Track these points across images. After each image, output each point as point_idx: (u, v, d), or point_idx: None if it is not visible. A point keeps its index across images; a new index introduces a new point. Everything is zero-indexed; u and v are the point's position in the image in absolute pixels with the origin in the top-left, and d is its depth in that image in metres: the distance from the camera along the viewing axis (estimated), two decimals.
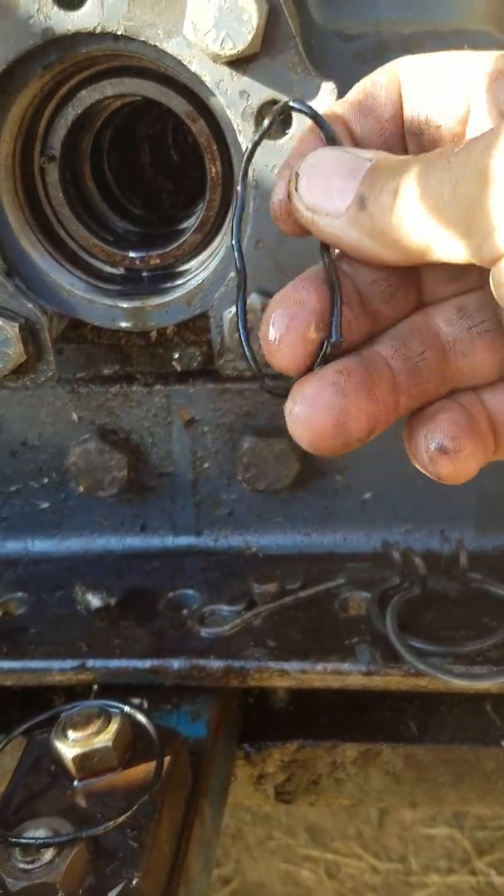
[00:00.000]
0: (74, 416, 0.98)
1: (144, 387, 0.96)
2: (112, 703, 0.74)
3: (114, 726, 0.72)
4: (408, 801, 0.94)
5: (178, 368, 0.94)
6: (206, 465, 0.99)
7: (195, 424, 0.97)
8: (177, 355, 0.93)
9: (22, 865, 0.60)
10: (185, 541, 1.03)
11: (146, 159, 1.06)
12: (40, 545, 1.05)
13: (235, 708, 0.91)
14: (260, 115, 0.71)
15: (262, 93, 0.70)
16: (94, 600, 0.93)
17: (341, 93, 0.71)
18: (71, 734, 0.71)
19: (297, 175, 0.50)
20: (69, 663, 0.86)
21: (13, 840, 0.61)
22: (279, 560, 0.99)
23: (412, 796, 0.93)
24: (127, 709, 0.73)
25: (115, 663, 0.85)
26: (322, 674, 0.84)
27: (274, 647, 0.86)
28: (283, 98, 0.71)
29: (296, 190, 0.50)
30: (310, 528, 1.01)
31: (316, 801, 0.95)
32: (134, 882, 0.61)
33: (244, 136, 0.72)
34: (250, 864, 2.07)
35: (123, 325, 0.84)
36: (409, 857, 2.02)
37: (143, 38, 0.70)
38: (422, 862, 2.00)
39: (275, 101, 0.71)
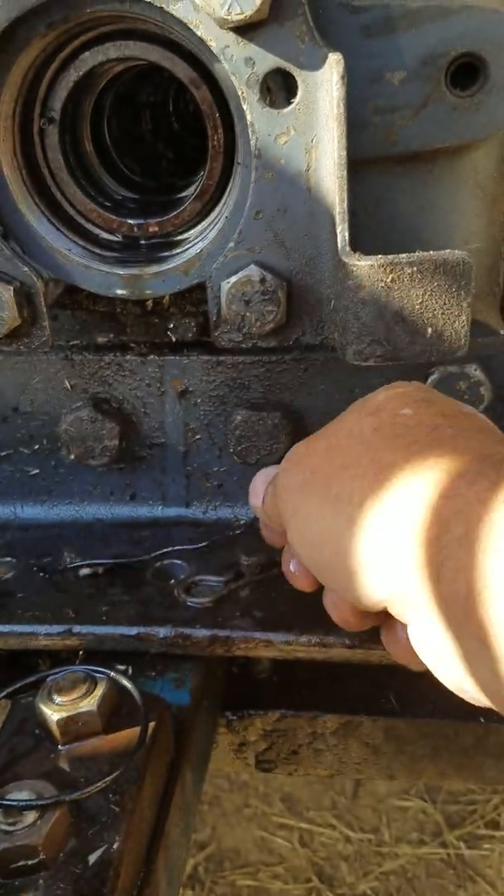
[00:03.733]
0: (67, 384, 0.98)
1: (138, 356, 0.96)
2: (98, 669, 0.75)
3: (99, 691, 0.72)
4: (386, 774, 0.95)
5: (173, 339, 0.94)
6: (197, 437, 0.99)
7: (188, 396, 0.97)
8: (172, 325, 0.92)
9: (3, 827, 0.60)
10: (174, 511, 1.03)
11: (146, 126, 1.05)
12: (29, 511, 1.05)
13: (219, 677, 0.92)
14: (265, 84, 0.70)
15: (267, 61, 0.70)
16: (83, 568, 0.93)
17: (346, 66, 0.70)
18: (56, 698, 0.72)
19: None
20: (56, 628, 0.86)
21: None
22: None
23: (390, 769, 0.95)
24: (113, 674, 0.73)
25: (101, 629, 0.86)
26: (307, 646, 0.85)
27: (260, 619, 0.86)
28: (290, 67, 0.70)
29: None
30: None
31: (296, 770, 0.96)
32: (115, 846, 0.62)
33: (248, 104, 0.71)
34: (226, 830, 2.11)
35: (119, 292, 0.83)
36: (382, 829, 2.06)
37: (149, 0, 0.69)
38: (394, 833, 2.04)
39: (280, 70, 0.71)
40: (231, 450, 0.96)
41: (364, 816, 2.11)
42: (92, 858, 0.61)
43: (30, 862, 0.60)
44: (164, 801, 0.73)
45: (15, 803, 0.61)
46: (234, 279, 0.77)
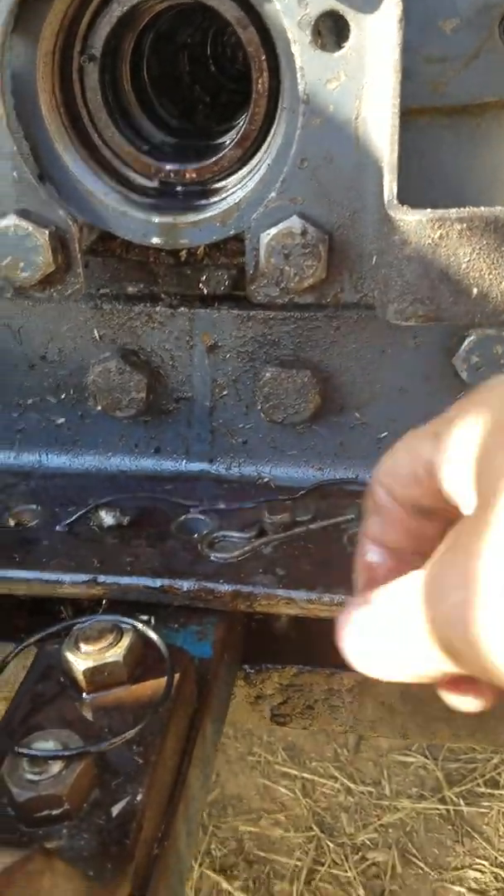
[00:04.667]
0: (96, 334, 0.97)
1: (169, 308, 0.94)
2: (125, 620, 0.75)
3: (125, 642, 0.73)
4: (399, 733, 0.96)
5: (205, 291, 0.92)
6: (224, 393, 0.98)
7: (217, 350, 0.96)
8: (205, 277, 0.91)
9: (29, 776, 0.61)
10: (197, 466, 1.03)
11: (184, 68, 1.02)
12: (55, 460, 1.04)
13: (239, 631, 0.92)
14: (317, 26, 0.67)
15: (321, 1, 0.67)
16: (107, 518, 0.93)
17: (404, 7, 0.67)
18: (83, 647, 0.72)
19: None
20: (80, 577, 0.86)
21: (21, 751, 0.62)
22: (291, 492, 0.99)
23: (404, 728, 0.96)
24: (140, 626, 0.74)
25: (125, 580, 0.86)
26: (328, 605, 0.85)
27: (282, 576, 0.86)
28: (343, 9, 0.67)
29: None
30: (324, 462, 1.01)
31: (310, 725, 0.97)
32: (138, 798, 0.63)
33: (299, 46, 0.68)
34: (230, 777, 2.15)
35: (154, 240, 0.82)
36: (383, 782, 2.10)
37: None
38: (394, 787, 2.08)
39: (333, 13, 0.68)
40: (258, 407, 0.95)
41: (365, 770, 2.14)
42: (115, 810, 0.62)
43: (54, 812, 0.60)
44: (185, 754, 0.74)
45: (41, 753, 0.62)
46: (274, 231, 0.75)
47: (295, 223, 0.73)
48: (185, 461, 1.03)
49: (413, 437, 0.55)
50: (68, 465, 1.05)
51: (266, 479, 0.99)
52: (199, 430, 1.01)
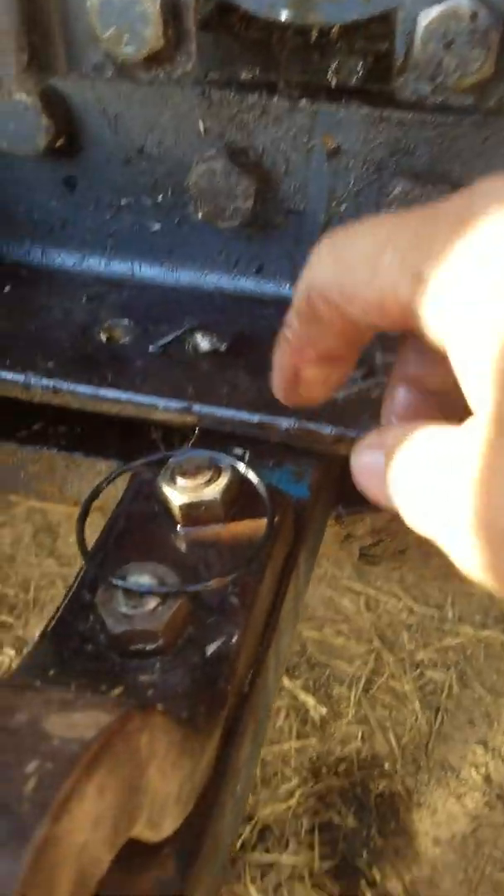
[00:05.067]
0: (201, 126, 0.85)
1: (288, 100, 0.81)
2: (223, 456, 0.70)
3: (223, 479, 0.69)
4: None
5: (333, 83, 0.78)
6: (343, 207, 0.86)
7: (340, 155, 0.83)
8: (335, 65, 0.76)
9: (123, 610, 0.59)
10: None
11: None
12: (148, 271, 0.97)
13: (337, 472, 0.88)
14: None
15: None
16: (203, 342, 0.86)
17: None
18: (179, 481, 0.68)
19: None
20: (175, 403, 0.81)
21: (116, 582, 0.60)
22: None
23: None
24: (240, 465, 0.69)
25: (221, 412, 0.80)
26: None
27: None
28: None
29: None
30: None
31: (400, 567, 0.95)
32: (234, 640, 0.61)
33: None
34: None
35: (283, 14, 0.68)
36: (447, 607, 2.14)
37: None
38: (458, 613, 2.12)
39: None
40: None
41: (430, 593, 2.19)
42: (209, 649, 0.61)
43: (148, 647, 0.59)
44: (279, 593, 0.72)
45: (138, 588, 0.60)
46: (435, 11, 0.60)
47: (463, 4, 0.59)
48: (289, 284, 0.94)
49: (378, 257, 0.45)
50: (162, 278, 0.97)
51: None
52: (307, 249, 0.90)
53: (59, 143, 0.89)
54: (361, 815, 1.70)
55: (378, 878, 1.57)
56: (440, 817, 1.68)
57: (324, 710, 1.89)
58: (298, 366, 0.57)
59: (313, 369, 0.58)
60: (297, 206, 0.88)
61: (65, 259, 1.00)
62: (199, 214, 0.88)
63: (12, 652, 2.03)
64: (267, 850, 1.62)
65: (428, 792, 1.73)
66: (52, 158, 0.91)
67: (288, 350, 0.57)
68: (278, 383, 0.61)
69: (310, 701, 1.91)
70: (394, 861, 1.60)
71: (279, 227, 0.90)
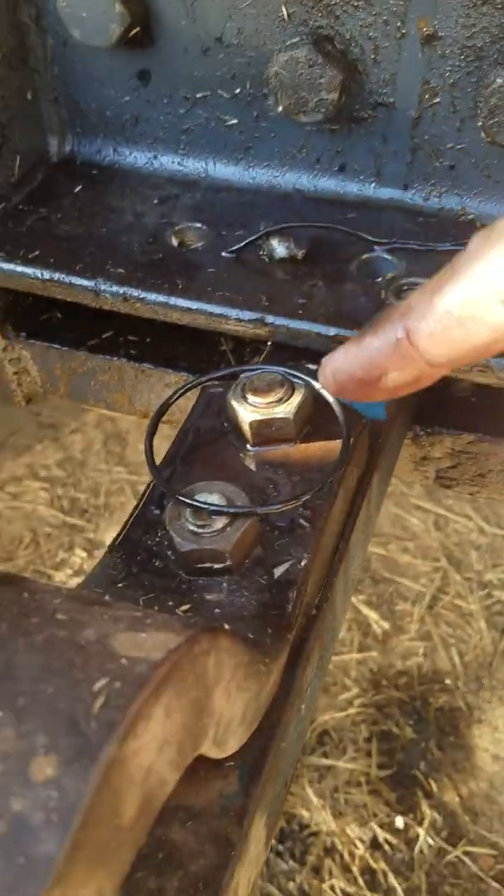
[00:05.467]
0: (284, 12, 0.78)
1: None
2: (297, 374, 0.67)
3: (296, 398, 0.66)
4: None
5: None
6: (436, 100, 0.79)
7: (435, 43, 0.75)
8: None
9: (192, 528, 0.58)
10: (388, 193, 0.87)
11: None
12: (222, 170, 0.91)
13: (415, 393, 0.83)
14: None
15: None
16: (280, 248, 0.82)
17: None
18: (250, 398, 0.66)
19: None
20: (247, 314, 0.78)
21: (185, 500, 0.59)
22: None
23: None
24: (314, 383, 0.66)
25: (296, 324, 0.77)
26: None
27: None
28: None
29: None
30: None
31: (478, 492, 0.91)
32: (302, 563, 0.59)
33: None
34: None
35: None
36: None
37: None
38: None
39: None
40: (478, 123, 0.76)
41: (502, 514, 2.14)
42: (277, 572, 0.59)
43: (215, 566, 0.58)
44: (350, 516, 0.69)
45: (207, 507, 0.58)
46: None
47: None
48: (374, 185, 0.87)
49: None
50: (238, 177, 0.91)
51: (471, 217, 0.83)
52: (396, 146, 0.84)
53: (133, 33, 0.83)
54: (420, 728, 1.72)
55: (434, 788, 1.61)
56: (501, 734, 1.69)
57: (386, 625, 1.90)
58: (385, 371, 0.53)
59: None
60: (386, 99, 0.81)
61: (137, 157, 0.95)
62: (280, 108, 0.82)
63: (84, 553, 2.09)
64: (325, 755, 1.67)
65: (490, 709, 1.74)
66: (125, 49, 0.86)
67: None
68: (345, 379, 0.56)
69: (372, 615, 1.92)
70: (451, 774, 1.62)
71: (365, 123, 0.83)
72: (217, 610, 0.57)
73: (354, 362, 0.54)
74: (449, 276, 0.47)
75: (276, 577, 0.59)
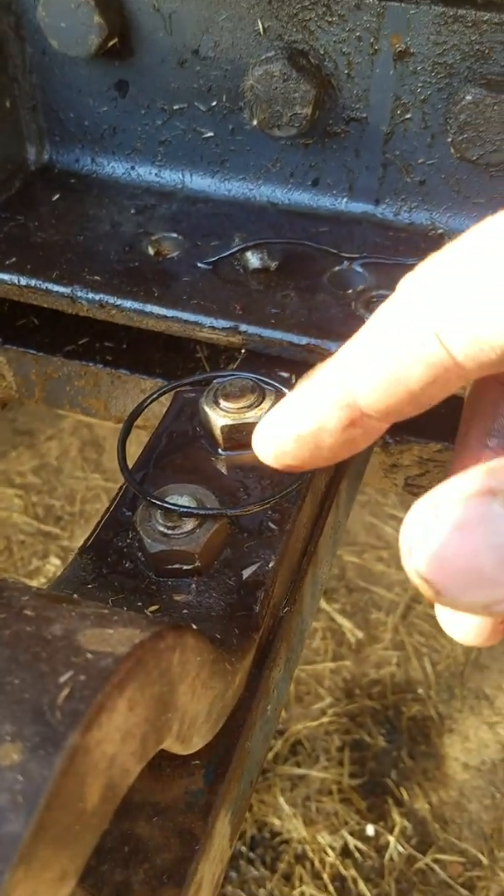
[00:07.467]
0: (260, 26, 0.80)
1: None
2: (269, 381, 0.68)
3: (268, 403, 0.67)
4: None
5: None
6: (408, 116, 0.81)
7: (407, 59, 0.78)
8: None
9: (162, 529, 0.59)
10: (361, 207, 0.89)
11: None
12: (199, 182, 0.93)
13: None
14: None
15: None
16: (254, 259, 0.83)
17: None
18: (222, 403, 0.67)
19: None
20: (221, 323, 0.79)
21: (156, 502, 0.60)
22: None
23: None
24: (285, 390, 0.67)
25: (269, 333, 0.78)
26: None
27: None
28: None
29: None
30: None
31: None
32: (270, 565, 0.60)
33: None
34: None
35: None
36: None
37: None
38: None
39: None
40: (448, 139, 0.78)
41: None
42: (246, 573, 0.60)
43: (185, 567, 0.59)
44: (318, 521, 0.71)
45: (177, 508, 0.59)
46: None
47: None
48: (346, 199, 0.89)
49: None
50: (213, 189, 0.93)
51: (440, 231, 0.85)
52: (368, 160, 0.86)
53: (111, 44, 0.85)
54: (392, 737, 1.73)
55: (405, 797, 1.62)
56: (471, 744, 1.71)
57: (360, 634, 1.91)
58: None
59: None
60: (358, 114, 0.83)
61: (115, 167, 0.97)
62: (255, 121, 0.83)
63: (58, 561, 2.08)
64: (297, 764, 1.68)
65: (461, 719, 1.75)
66: (104, 60, 0.88)
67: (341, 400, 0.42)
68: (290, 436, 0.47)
69: (347, 624, 1.93)
70: (422, 782, 1.64)
71: (338, 138, 0.85)
72: (185, 610, 0.58)
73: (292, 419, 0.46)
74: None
75: (244, 578, 0.60)
